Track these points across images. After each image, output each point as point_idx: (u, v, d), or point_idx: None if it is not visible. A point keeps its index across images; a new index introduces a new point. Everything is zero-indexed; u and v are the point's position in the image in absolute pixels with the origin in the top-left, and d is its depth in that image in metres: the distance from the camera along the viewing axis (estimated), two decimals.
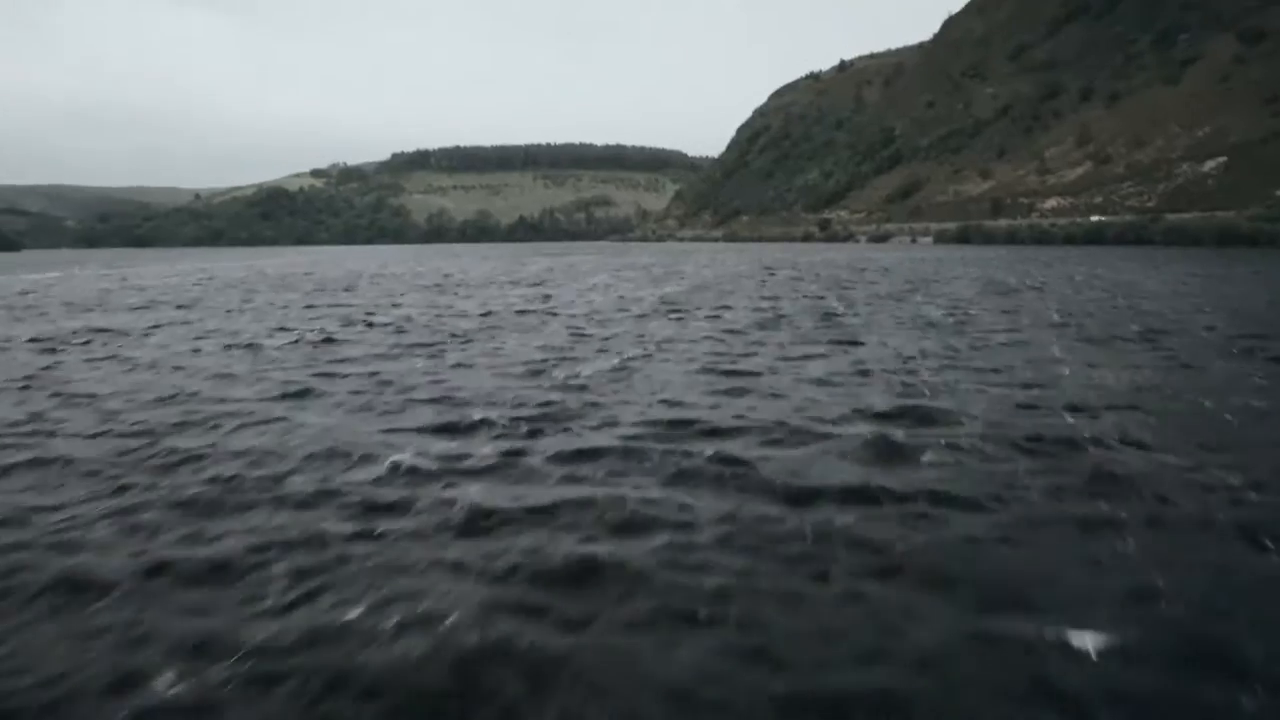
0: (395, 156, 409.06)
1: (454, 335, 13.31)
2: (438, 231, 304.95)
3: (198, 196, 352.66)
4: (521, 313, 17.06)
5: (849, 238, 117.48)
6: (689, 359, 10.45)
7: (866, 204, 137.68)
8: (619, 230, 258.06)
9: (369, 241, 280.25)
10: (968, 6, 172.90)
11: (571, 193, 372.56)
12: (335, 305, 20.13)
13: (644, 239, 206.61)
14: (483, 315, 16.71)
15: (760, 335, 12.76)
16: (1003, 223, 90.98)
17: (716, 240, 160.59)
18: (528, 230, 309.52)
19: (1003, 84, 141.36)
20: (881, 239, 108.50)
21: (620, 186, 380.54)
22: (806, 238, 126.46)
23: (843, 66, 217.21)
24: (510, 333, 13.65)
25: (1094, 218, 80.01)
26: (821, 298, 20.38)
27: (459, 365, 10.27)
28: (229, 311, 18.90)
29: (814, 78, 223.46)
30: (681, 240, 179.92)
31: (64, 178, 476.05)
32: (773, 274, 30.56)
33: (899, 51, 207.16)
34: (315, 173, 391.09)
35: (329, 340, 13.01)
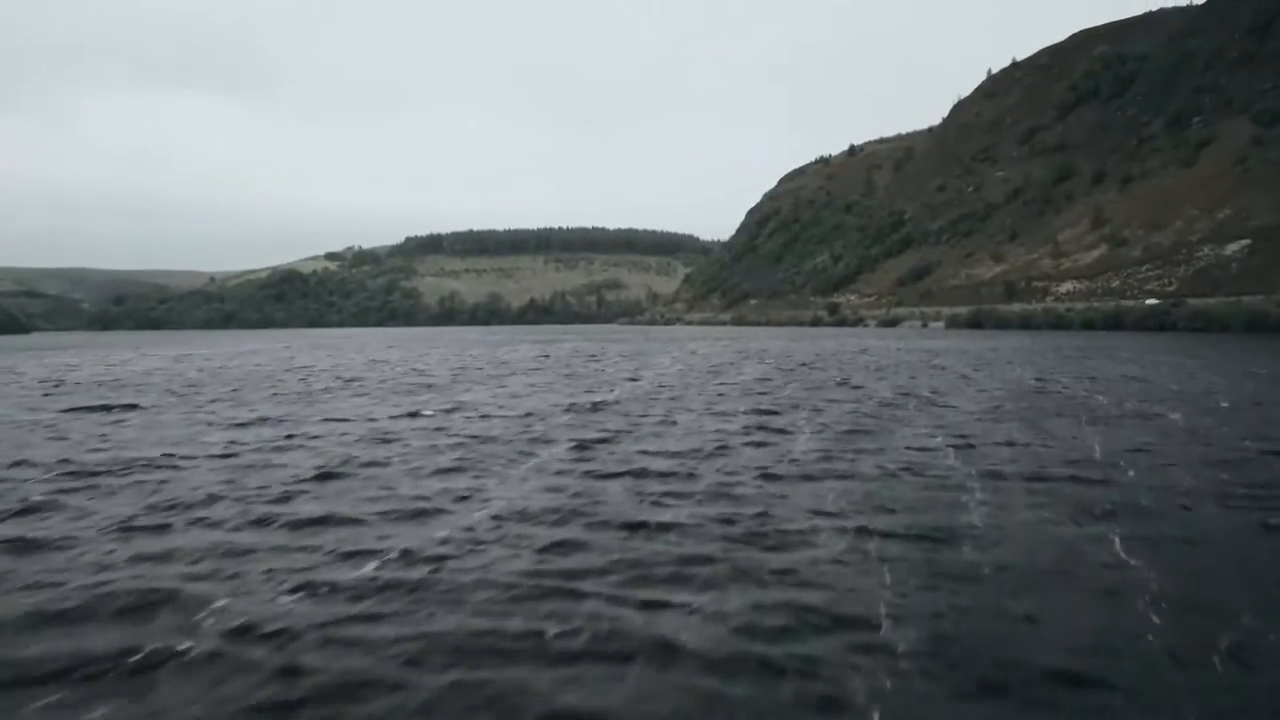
0: (409, 240, 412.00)
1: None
2: (448, 314, 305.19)
3: (212, 279, 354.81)
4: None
5: (858, 322, 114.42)
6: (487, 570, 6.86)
7: (876, 288, 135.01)
8: (629, 313, 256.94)
9: (380, 324, 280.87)
10: (977, 90, 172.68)
11: (583, 276, 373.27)
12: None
13: (652, 322, 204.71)
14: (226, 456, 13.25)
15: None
16: (1016, 307, 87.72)
17: (724, 324, 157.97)
18: (538, 313, 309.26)
19: (1013, 167, 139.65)
20: (891, 324, 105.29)
21: (632, 269, 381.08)
22: (815, 322, 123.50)
23: (852, 151, 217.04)
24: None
25: (1114, 303, 76.60)
26: (789, 433, 16.92)
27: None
28: None
29: (824, 162, 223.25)
30: (690, 324, 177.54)
31: (87, 261, 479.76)
32: (741, 374, 27.32)
33: (909, 136, 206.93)
34: (330, 255, 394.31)
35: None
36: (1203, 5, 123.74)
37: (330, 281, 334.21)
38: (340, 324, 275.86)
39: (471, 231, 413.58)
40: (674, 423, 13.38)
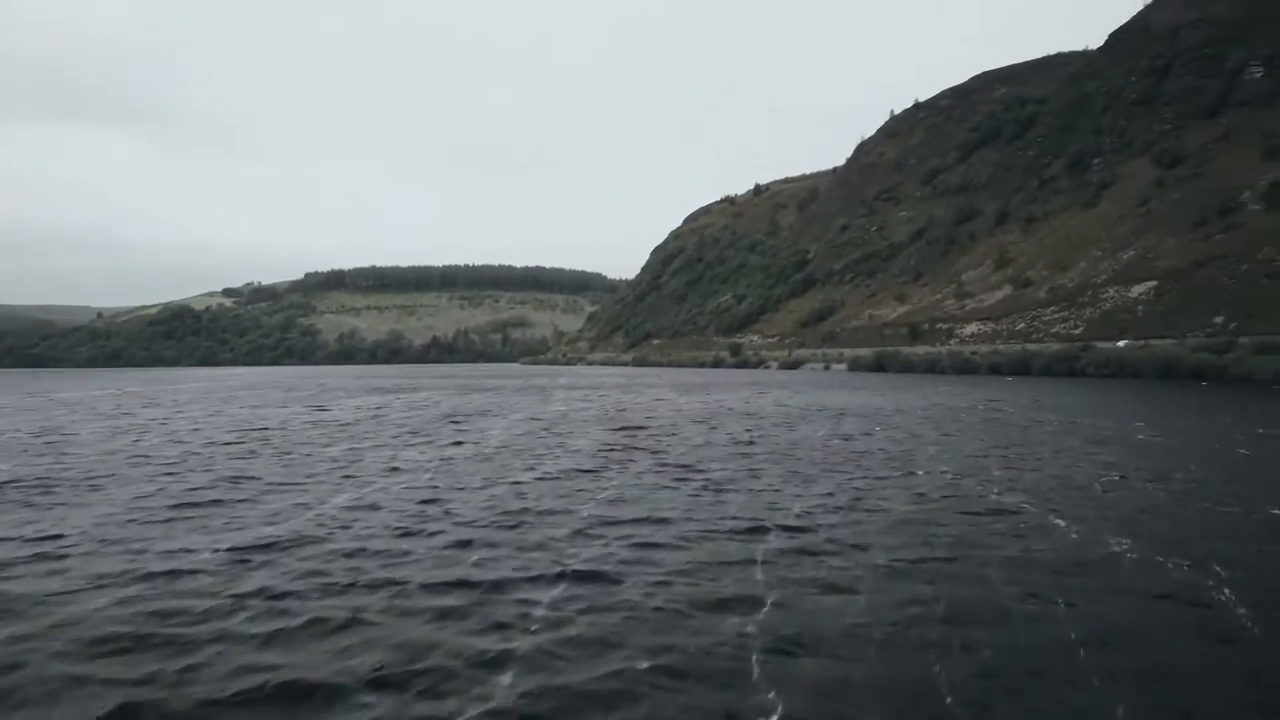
0: (309, 276, 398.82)
1: None
2: (347, 352, 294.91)
3: (100, 315, 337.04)
4: None
5: (760, 364, 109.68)
6: None
7: (779, 328, 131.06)
8: (534, 352, 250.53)
9: (275, 362, 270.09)
10: (880, 131, 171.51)
11: (488, 313, 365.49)
12: None
13: (554, 361, 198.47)
14: None
15: None
16: (921, 349, 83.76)
17: (626, 364, 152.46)
18: (441, 351, 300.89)
19: (916, 207, 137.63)
20: (793, 366, 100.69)
21: (538, 308, 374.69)
22: (717, 363, 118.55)
23: (758, 190, 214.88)
24: None
25: (1020, 345, 72.84)
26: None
27: None
28: None
29: (729, 201, 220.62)
30: (592, 363, 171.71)
31: None
32: (587, 434, 21.59)
33: (814, 176, 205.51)
34: (228, 292, 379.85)
35: None
36: (1100, 48, 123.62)
37: (224, 318, 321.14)
38: (233, 362, 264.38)
39: (375, 267, 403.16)
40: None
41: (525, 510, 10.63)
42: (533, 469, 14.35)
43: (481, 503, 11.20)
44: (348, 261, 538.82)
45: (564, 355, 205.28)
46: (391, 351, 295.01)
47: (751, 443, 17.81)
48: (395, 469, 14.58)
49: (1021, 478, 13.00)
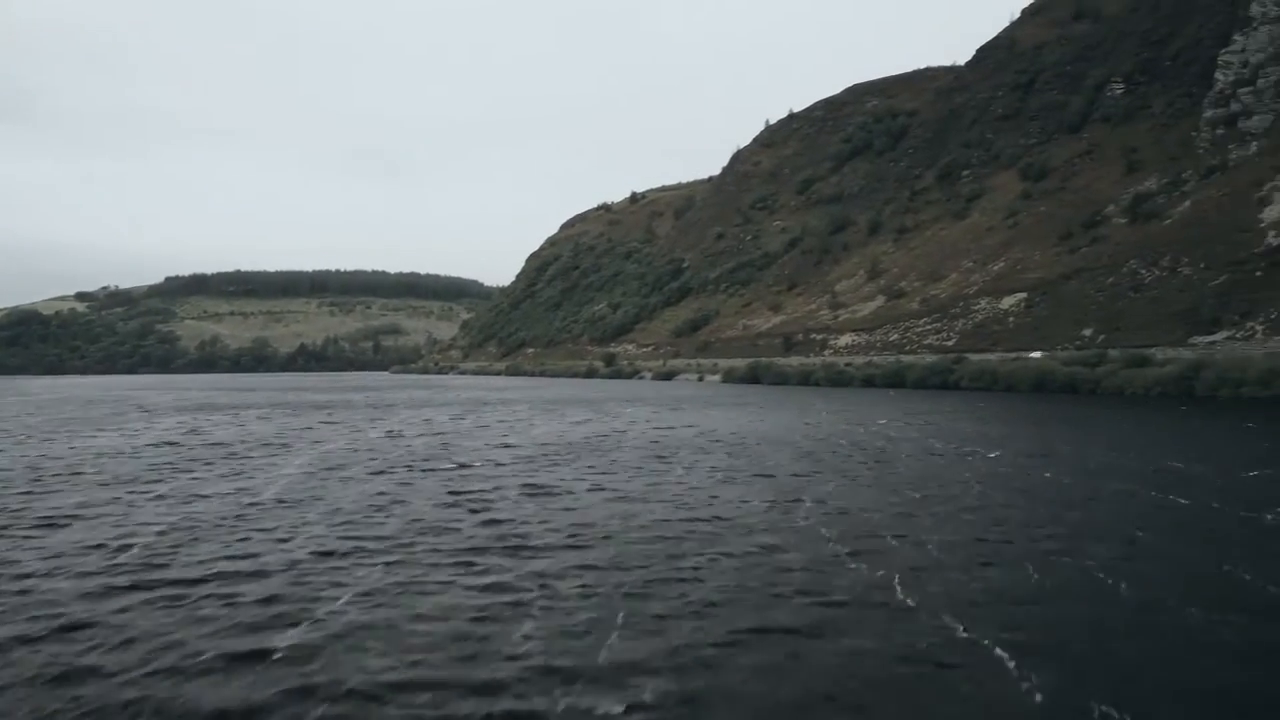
0: (170, 280, 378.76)
1: None
2: (209, 360, 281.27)
3: None
4: None
5: (635, 374, 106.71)
6: None
7: (654, 338, 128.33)
8: (406, 360, 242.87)
9: (130, 370, 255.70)
10: (755, 140, 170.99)
11: (360, 320, 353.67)
12: None
13: (425, 370, 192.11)
14: None
15: None
16: (795, 361, 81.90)
17: (499, 373, 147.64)
18: (309, 359, 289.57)
19: (791, 217, 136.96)
20: (667, 376, 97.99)
21: (413, 315, 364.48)
22: (590, 373, 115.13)
23: (634, 198, 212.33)
24: None
25: (895, 357, 71.47)
26: None
27: None
28: None
29: (605, 208, 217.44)
30: (464, 372, 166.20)
31: None
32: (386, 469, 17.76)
33: (690, 184, 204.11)
34: (80, 295, 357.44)
35: None
36: (968, 63, 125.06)
37: (75, 324, 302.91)
38: (84, 370, 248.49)
39: (240, 272, 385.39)
40: None
41: None
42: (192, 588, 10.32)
43: None
44: (212, 265, 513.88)
45: (436, 364, 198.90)
46: (256, 360, 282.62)
47: (595, 504, 14.16)
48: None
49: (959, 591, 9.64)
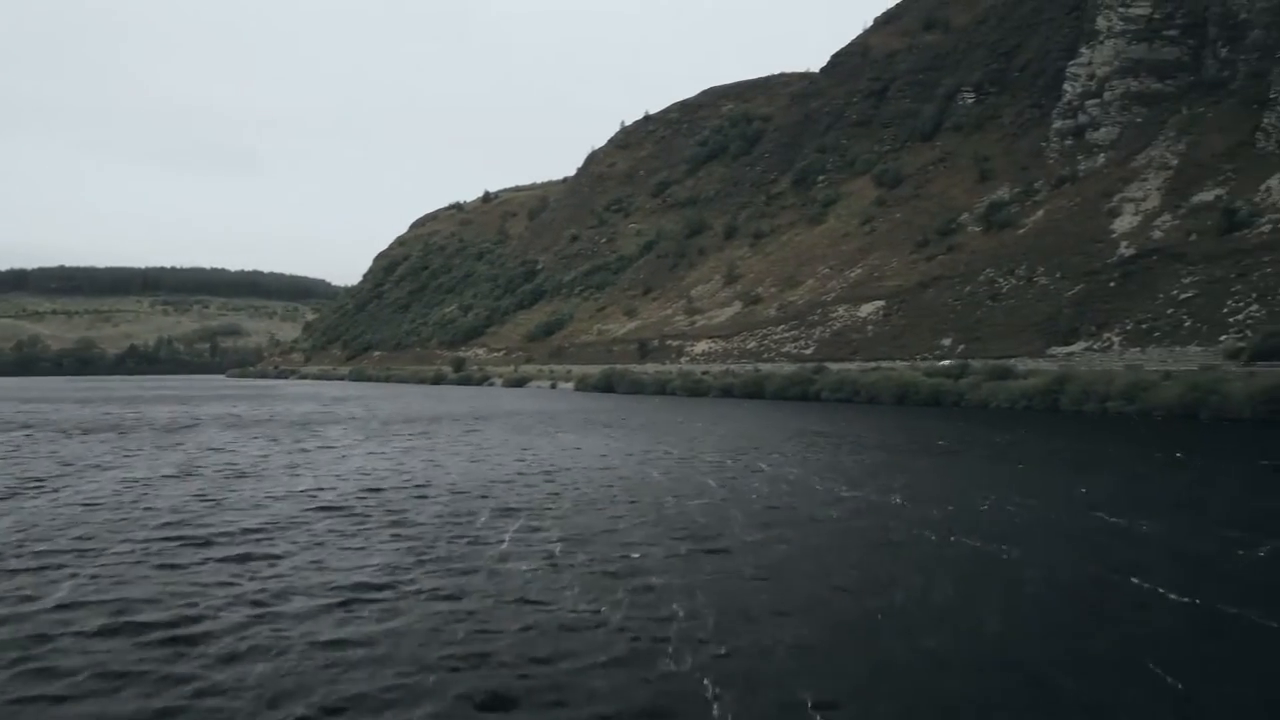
0: None
1: None
2: (26, 362, 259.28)
3: None
4: None
5: (485, 380, 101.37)
6: None
7: (506, 342, 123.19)
8: (246, 363, 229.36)
9: None
10: (610, 141, 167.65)
11: (197, 321, 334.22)
12: None
13: (264, 374, 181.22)
14: None
15: None
16: (650, 368, 78.48)
17: (343, 378, 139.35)
18: (140, 361, 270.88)
19: (646, 219, 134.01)
20: (519, 383, 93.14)
21: (254, 315, 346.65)
22: (439, 378, 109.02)
23: (487, 197, 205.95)
24: None
25: (753, 366, 68.74)
26: None
27: None
28: None
29: (457, 208, 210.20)
30: (305, 377, 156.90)
31: None
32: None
33: (544, 185, 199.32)
34: None
35: None
36: (823, 70, 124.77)
37: None
38: None
39: (64, 268, 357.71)
40: None
41: None
42: None
43: None
44: (31, 260, 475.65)
45: (276, 367, 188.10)
46: (81, 362, 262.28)
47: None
48: None
49: None
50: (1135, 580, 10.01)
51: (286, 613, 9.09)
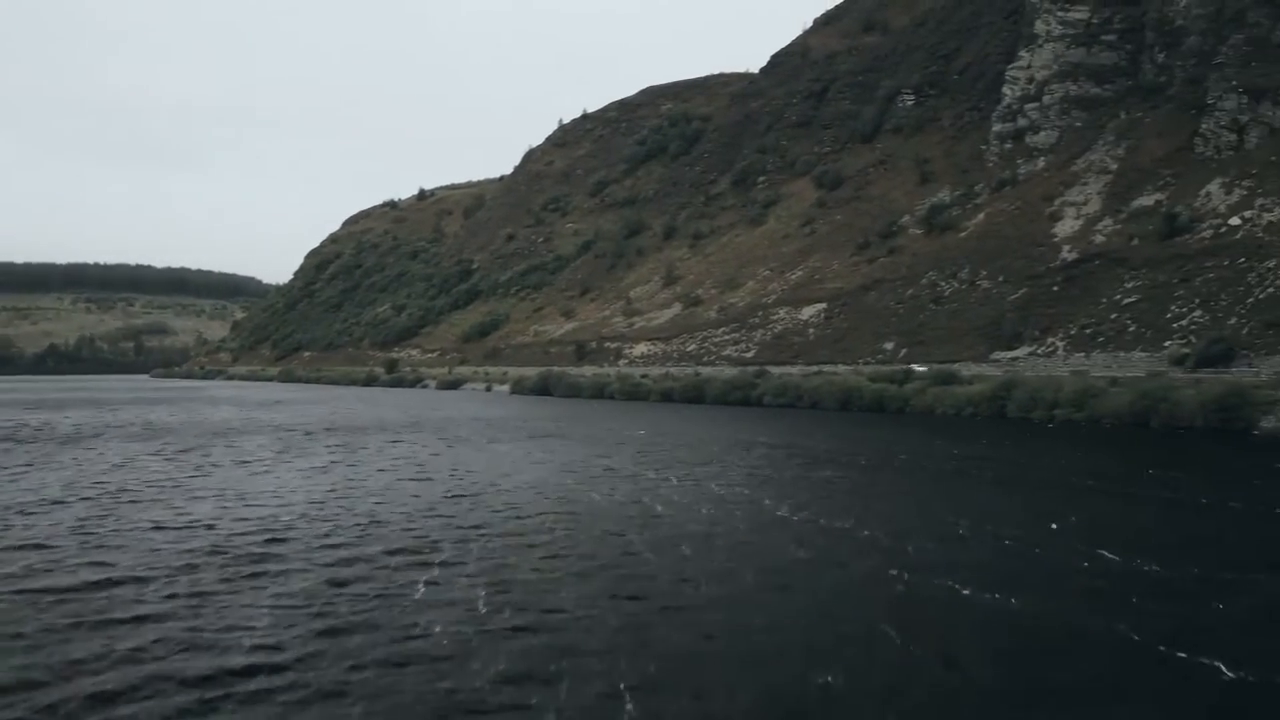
0: None
1: None
2: None
3: None
4: None
5: (418, 382, 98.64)
6: None
7: (441, 342, 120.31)
8: (172, 363, 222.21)
9: None
10: (548, 140, 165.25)
11: (121, 319, 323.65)
12: None
13: (190, 375, 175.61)
14: None
15: None
16: (588, 371, 76.62)
17: (272, 379, 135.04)
18: (61, 361, 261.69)
19: (584, 219, 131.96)
20: (453, 385, 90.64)
21: (181, 313, 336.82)
22: (371, 380, 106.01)
23: (422, 195, 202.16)
24: None
25: (693, 369, 67.18)
26: None
27: None
28: None
29: (391, 205, 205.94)
30: (233, 377, 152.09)
31: None
32: None
33: (480, 183, 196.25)
34: None
35: None
36: (762, 70, 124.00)
37: None
38: None
39: None
40: None
41: None
42: None
43: None
44: None
45: (202, 368, 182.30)
46: None
47: None
48: None
49: None
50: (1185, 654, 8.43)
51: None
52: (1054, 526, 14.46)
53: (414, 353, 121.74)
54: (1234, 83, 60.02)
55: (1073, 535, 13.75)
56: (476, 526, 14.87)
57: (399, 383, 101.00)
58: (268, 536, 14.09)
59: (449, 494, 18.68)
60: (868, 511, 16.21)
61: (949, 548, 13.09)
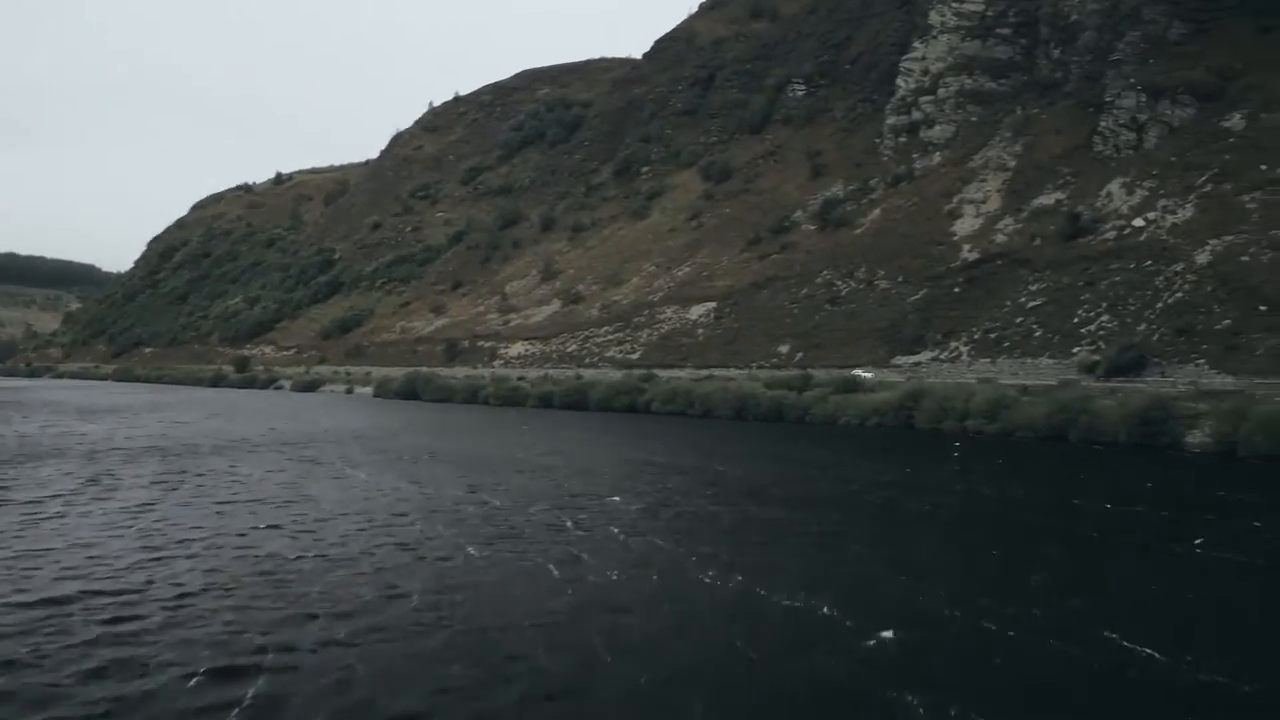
0: None
1: None
2: None
3: None
4: None
5: (271, 382, 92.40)
6: None
7: (298, 339, 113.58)
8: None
9: None
10: (418, 123, 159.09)
11: None
12: None
13: (13, 372, 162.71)
14: None
15: None
16: (460, 373, 72.44)
17: (106, 377, 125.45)
18: None
19: (456, 208, 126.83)
20: (311, 387, 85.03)
21: (8, 304, 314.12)
22: (219, 379, 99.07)
23: (280, 179, 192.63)
24: None
25: (574, 371, 63.68)
26: None
27: None
28: None
29: (246, 189, 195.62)
30: (63, 375, 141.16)
31: None
32: None
33: (344, 168, 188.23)
34: None
35: None
36: (645, 55, 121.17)
37: None
38: None
39: None
40: None
41: None
42: None
43: None
44: None
45: (29, 364, 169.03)
46: None
47: None
48: None
49: None
50: None
51: None
52: (1074, 603, 11.53)
53: (268, 350, 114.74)
54: (1132, 80, 59.91)
55: (1083, 617, 10.78)
56: (306, 616, 11.04)
57: (250, 383, 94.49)
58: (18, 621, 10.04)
59: (280, 551, 14.68)
60: (818, 577, 13.04)
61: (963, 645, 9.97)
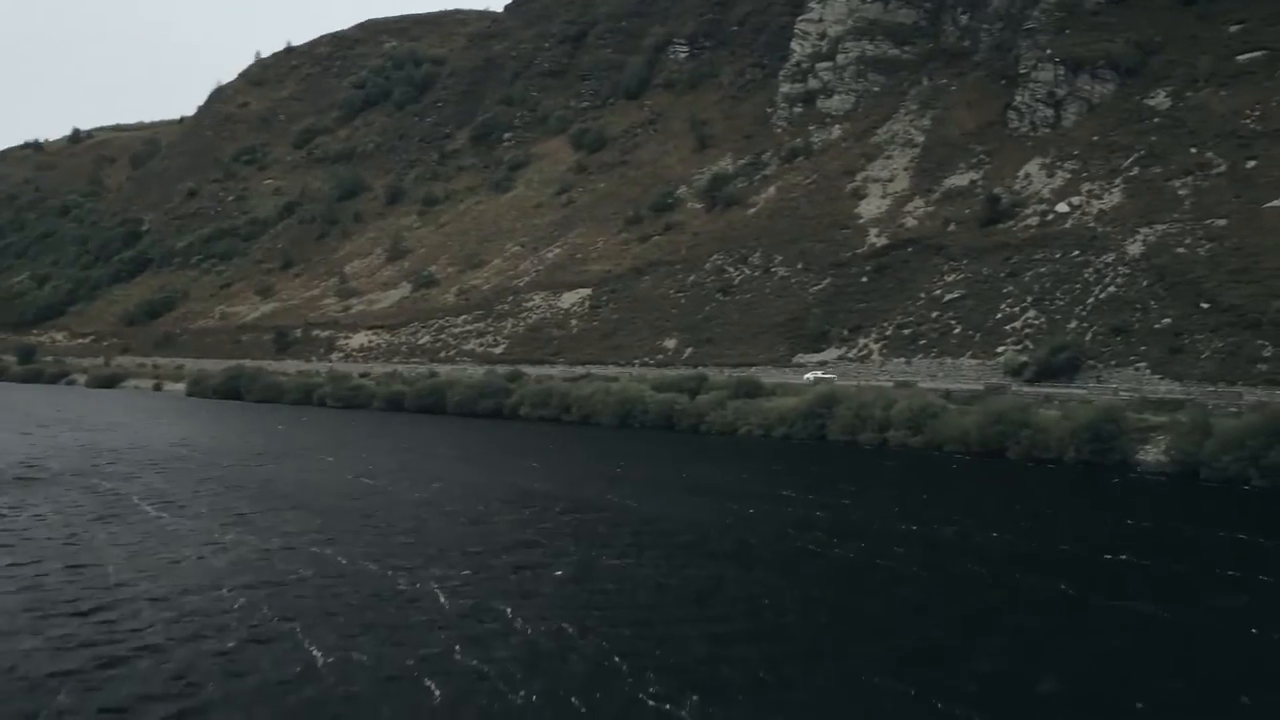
0: None
1: None
2: None
3: None
4: None
5: (62, 376, 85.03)
6: None
7: (97, 324, 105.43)
8: None
9: None
10: (242, 76, 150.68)
11: None
12: None
13: None
14: None
15: None
16: (292, 368, 67.60)
17: None
18: None
19: (288, 175, 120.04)
20: (110, 383, 78.32)
21: None
22: None
23: (77, 136, 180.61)
24: None
25: (428, 367, 59.63)
26: None
27: None
28: None
29: (35, 147, 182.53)
30: None
31: None
32: None
33: (154, 125, 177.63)
34: None
35: None
36: (507, 8, 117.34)
37: None
38: None
39: None
40: None
41: None
42: None
43: None
44: None
45: None
46: None
47: None
48: None
49: None
50: None
51: None
52: None
53: (59, 337, 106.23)
54: (1048, 51, 59.49)
55: None
56: None
57: (36, 377, 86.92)
58: None
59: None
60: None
61: None
